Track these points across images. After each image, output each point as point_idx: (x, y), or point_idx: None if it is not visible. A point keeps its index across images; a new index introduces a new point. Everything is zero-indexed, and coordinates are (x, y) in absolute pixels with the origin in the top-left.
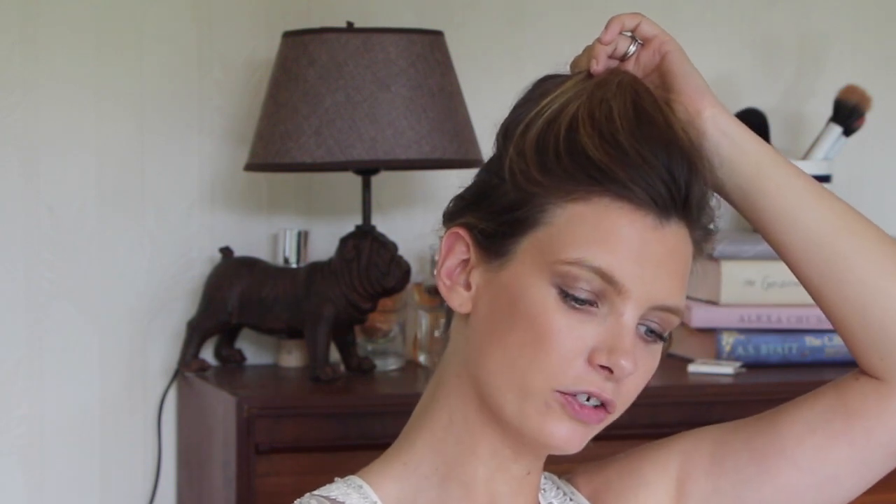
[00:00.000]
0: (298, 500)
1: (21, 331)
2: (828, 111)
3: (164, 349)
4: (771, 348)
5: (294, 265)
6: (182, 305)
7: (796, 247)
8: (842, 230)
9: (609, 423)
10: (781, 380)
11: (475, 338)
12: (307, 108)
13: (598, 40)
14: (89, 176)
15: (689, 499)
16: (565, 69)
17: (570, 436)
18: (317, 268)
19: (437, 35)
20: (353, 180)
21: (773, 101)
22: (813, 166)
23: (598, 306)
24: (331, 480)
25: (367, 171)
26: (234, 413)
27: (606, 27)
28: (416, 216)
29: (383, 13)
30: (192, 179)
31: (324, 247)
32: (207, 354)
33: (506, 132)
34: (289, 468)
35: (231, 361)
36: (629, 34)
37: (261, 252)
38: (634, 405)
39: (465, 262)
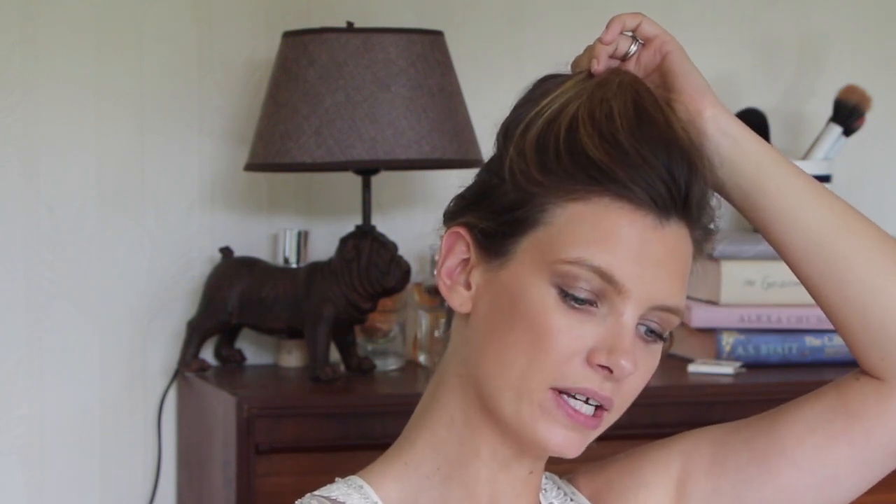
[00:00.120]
0: (299, 500)
1: (21, 331)
2: (828, 111)
3: (164, 349)
4: (771, 348)
5: (294, 265)
6: (182, 305)
7: (797, 246)
8: (842, 230)
9: (609, 425)
10: (781, 380)
11: (475, 337)
12: (307, 108)
13: (599, 40)
14: (89, 176)
15: (689, 499)
16: (565, 69)
17: (566, 441)
18: (317, 268)
19: (437, 35)
20: (353, 180)
21: (773, 101)
22: (813, 166)
23: (597, 306)
24: (331, 480)
25: (367, 171)
26: (234, 413)
27: (607, 27)
28: (416, 216)
29: (383, 13)
30: (192, 179)
31: (324, 247)
32: (207, 354)
33: (506, 132)
34: (289, 468)
35: (231, 361)
36: (630, 34)
37: (261, 252)
38: (634, 405)
39: (466, 261)
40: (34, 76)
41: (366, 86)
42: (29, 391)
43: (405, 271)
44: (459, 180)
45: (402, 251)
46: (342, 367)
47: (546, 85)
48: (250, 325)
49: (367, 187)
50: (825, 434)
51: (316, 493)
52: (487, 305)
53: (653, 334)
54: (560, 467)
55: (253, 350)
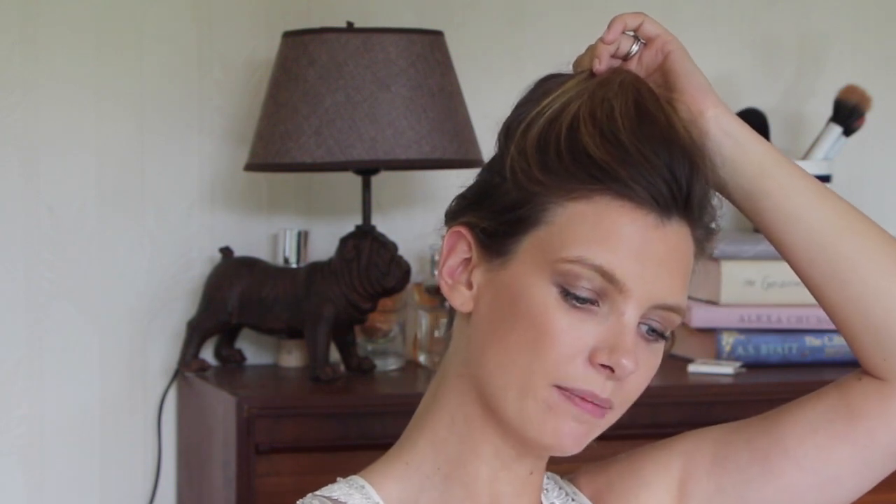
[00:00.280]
0: (301, 500)
1: (21, 331)
2: (828, 111)
3: (164, 349)
4: (771, 348)
5: (294, 265)
6: (182, 305)
7: (798, 247)
8: (844, 231)
9: (611, 424)
10: (781, 380)
11: (476, 337)
12: (307, 108)
13: (601, 40)
14: (89, 176)
15: (690, 499)
16: (565, 69)
17: (571, 436)
18: (317, 268)
19: (437, 35)
20: (353, 180)
21: (773, 101)
22: (813, 166)
23: (599, 305)
24: (331, 480)
25: (367, 171)
26: (234, 413)
27: (609, 27)
28: (416, 216)
29: (383, 13)
30: (192, 179)
31: (324, 247)
32: (207, 354)
33: (507, 131)
34: (289, 468)
35: (231, 361)
36: (632, 33)
37: (261, 252)
38: (635, 405)
39: (467, 260)
40: (34, 76)
41: (366, 86)
42: (29, 391)
43: (405, 271)
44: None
45: (402, 251)
46: (342, 367)
47: (547, 84)
48: (250, 325)
49: (367, 187)
50: (827, 434)
51: (317, 492)
52: (489, 305)
53: (654, 333)
54: (561, 467)
55: (253, 350)
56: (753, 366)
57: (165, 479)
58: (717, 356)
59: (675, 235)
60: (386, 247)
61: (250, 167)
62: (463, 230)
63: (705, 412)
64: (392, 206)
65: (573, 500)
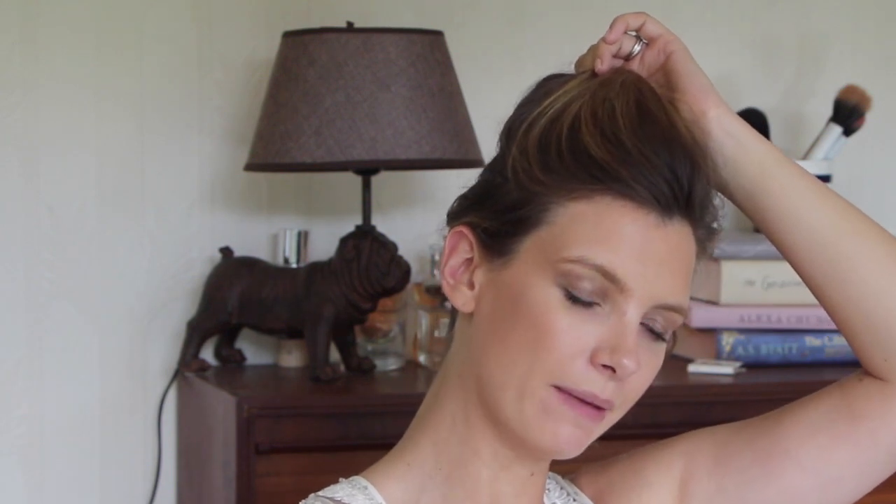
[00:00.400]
0: (303, 500)
1: (21, 331)
2: (828, 111)
3: (164, 349)
4: (771, 348)
5: (294, 265)
6: (182, 305)
7: (800, 247)
8: (846, 231)
9: (612, 425)
10: (781, 380)
11: (478, 337)
12: (307, 108)
13: (603, 40)
14: (89, 176)
15: (692, 499)
16: (565, 69)
17: (570, 439)
18: (317, 268)
19: (437, 35)
20: (353, 180)
21: (773, 101)
22: (813, 166)
23: (600, 305)
24: (331, 480)
25: (367, 171)
26: (234, 413)
27: (611, 27)
28: (416, 216)
29: (383, 13)
30: (192, 179)
31: (324, 247)
32: (207, 354)
33: (509, 131)
34: (289, 468)
35: (231, 361)
36: (634, 33)
37: (261, 252)
38: (635, 405)
39: (469, 261)
40: (34, 76)
41: (366, 86)
42: (29, 391)
43: (405, 271)
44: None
45: (402, 251)
46: (342, 367)
47: (549, 84)
48: (250, 325)
49: (367, 187)
50: (828, 435)
51: (320, 493)
52: (490, 305)
53: (656, 333)
54: (563, 467)
55: (253, 350)
56: (753, 366)
57: (165, 479)
58: (717, 356)
59: (676, 235)
60: (386, 247)
61: (250, 167)
62: (465, 230)
63: (705, 412)
64: (392, 206)
65: (574, 500)
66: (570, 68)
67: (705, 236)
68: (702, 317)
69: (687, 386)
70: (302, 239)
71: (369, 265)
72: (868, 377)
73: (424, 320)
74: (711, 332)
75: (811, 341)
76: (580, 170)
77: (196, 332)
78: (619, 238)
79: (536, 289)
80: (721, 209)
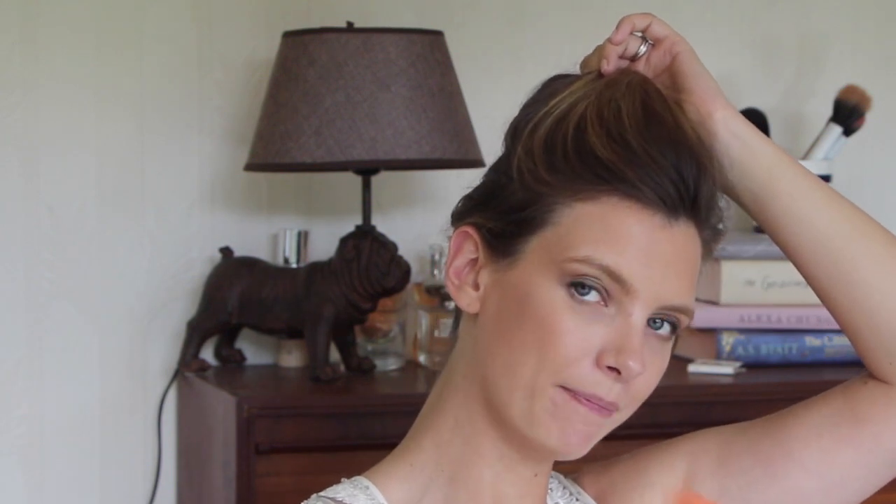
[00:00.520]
0: (305, 500)
1: (21, 331)
2: (828, 111)
3: (164, 349)
4: (771, 348)
5: (294, 265)
6: (182, 305)
7: (805, 249)
8: (851, 234)
9: (617, 425)
10: (781, 380)
11: (483, 337)
12: (307, 108)
13: (609, 40)
14: (89, 176)
15: None
16: (566, 69)
17: (577, 437)
18: (317, 268)
19: (437, 35)
20: (353, 180)
21: (773, 101)
22: (813, 166)
23: (606, 306)
24: (331, 480)
25: (367, 171)
26: (234, 413)
27: (617, 27)
28: (416, 216)
29: (383, 13)
30: (192, 179)
31: (324, 247)
32: (207, 354)
33: (514, 131)
34: (289, 468)
35: (231, 361)
36: (640, 34)
37: (261, 252)
38: None
39: (474, 261)
40: (34, 76)
41: (366, 86)
42: (29, 391)
43: (405, 271)
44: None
45: (402, 251)
46: (342, 367)
47: (555, 85)
48: (250, 325)
49: (367, 187)
50: (832, 438)
51: (322, 493)
52: (496, 306)
53: (662, 334)
54: (565, 467)
55: (253, 350)
56: (753, 366)
57: (165, 479)
58: (717, 356)
59: (682, 236)
60: (386, 247)
61: (250, 167)
62: (470, 230)
63: (705, 412)
64: (392, 206)
65: (577, 499)
66: (570, 68)
67: (710, 237)
68: (702, 317)
69: (687, 386)
70: (302, 239)
71: (369, 265)
72: (872, 380)
73: (424, 320)
74: (711, 332)
75: (811, 341)
76: (586, 170)
77: (196, 332)
78: (625, 239)
79: (542, 289)
80: (727, 210)
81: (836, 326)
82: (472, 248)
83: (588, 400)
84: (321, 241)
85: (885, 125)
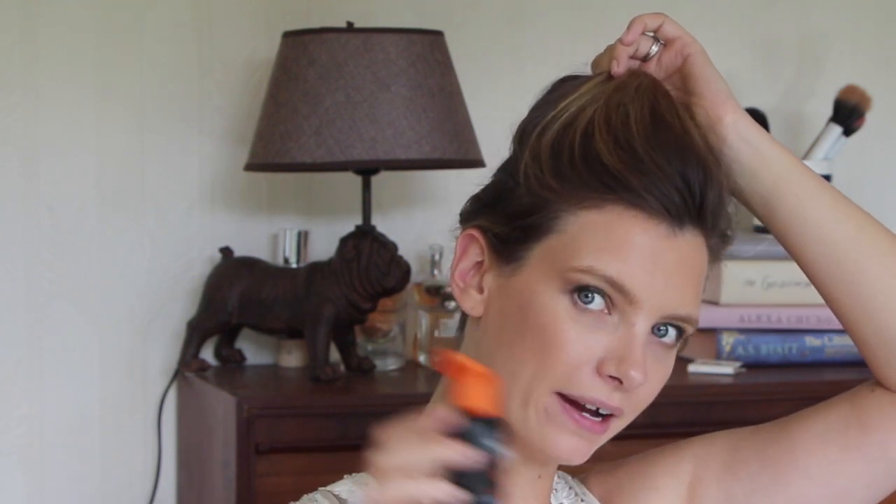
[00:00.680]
0: (307, 494)
1: (21, 331)
2: (828, 111)
3: (164, 349)
4: (771, 348)
5: (294, 265)
6: (182, 305)
7: (814, 256)
8: (861, 243)
9: (617, 432)
10: (781, 380)
11: (485, 341)
12: (307, 108)
13: (620, 41)
14: (89, 176)
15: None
16: (565, 69)
17: (572, 447)
18: (317, 268)
19: (437, 35)
20: (353, 180)
21: (773, 101)
22: (813, 166)
23: (609, 314)
24: (331, 480)
25: (367, 171)
26: (234, 413)
27: (628, 28)
28: (416, 216)
29: (383, 13)
30: (192, 179)
31: (324, 247)
32: (207, 354)
33: (522, 134)
34: (289, 468)
35: (231, 361)
36: (652, 34)
37: (261, 252)
38: None
39: (479, 264)
40: (34, 76)
41: (366, 86)
42: (29, 391)
43: (405, 271)
44: (459, 180)
45: (402, 251)
46: (342, 367)
47: (564, 87)
48: (250, 325)
49: (367, 187)
50: (838, 446)
51: (323, 488)
52: (498, 310)
53: (665, 342)
54: (574, 467)
55: (253, 350)
56: (753, 366)
57: (165, 479)
58: (717, 356)
59: (687, 245)
60: (386, 247)
61: (250, 167)
62: (475, 233)
63: (705, 412)
64: (392, 206)
65: (582, 500)
66: (571, 68)
67: (718, 244)
68: (702, 317)
69: (687, 386)
70: (302, 239)
71: (369, 265)
72: (880, 388)
73: (424, 320)
74: (711, 332)
75: (811, 341)
76: (592, 178)
77: (196, 332)
78: (629, 248)
79: (545, 297)
80: (735, 216)
81: (837, 326)
82: (477, 251)
83: (581, 416)
84: (321, 241)
85: (885, 125)
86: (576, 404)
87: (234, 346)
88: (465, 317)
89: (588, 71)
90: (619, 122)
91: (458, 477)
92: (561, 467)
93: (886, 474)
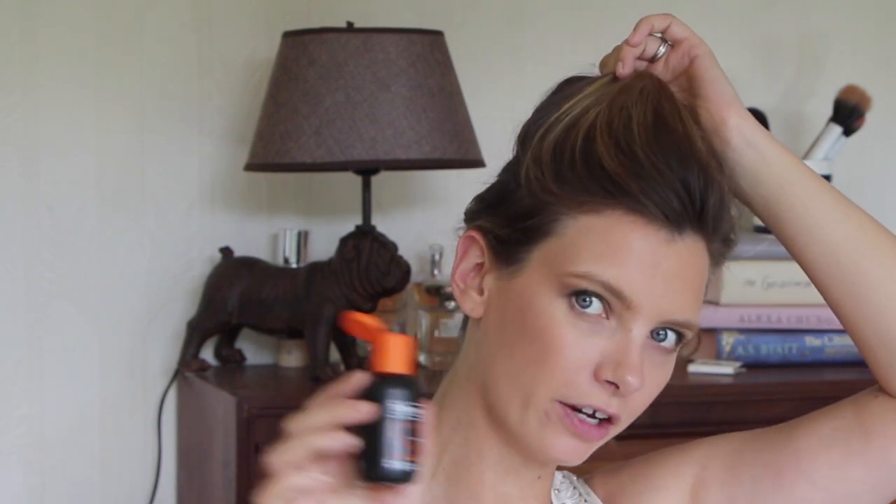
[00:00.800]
0: None
1: (21, 331)
2: (828, 111)
3: (164, 349)
4: (771, 348)
5: (294, 265)
6: (182, 305)
7: (818, 261)
8: (865, 247)
9: (614, 436)
10: (781, 380)
11: (485, 343)
12: (307, 108)
13: (626, 42)
14: (89, 176)
15: None
16: (565, 69)
17: (570, 449)
18: (317, 268)
19: (437, 35)
20: (353, 180)
21: (773, 101)
22: (813, 166)
23: (607, 319)
24: None
25: (367, 171)
26: (234, 413)
27: (635, 28)
28: (416, 216)
29: (383, 13)
30: (192, 179)
31: (324, 247)
32: (207, 354)
33: (524, 136)
34: None
35: (231, 361)
36: (659, 35)
37: (261, 252)
38: None
39: (479, 265)
40: (34, 76)
41: (366, 86)
42: (29, 391)
43: (405, 271)
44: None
45: (402, 251)
46: (342, 367)
47: (569, 88)
48: (250, 325)
49: (367, 187)
50: (840, 452)
51: None
52: (498, 313)
53: (665, 346)
54: (578, 468)
55: (253, 350)
56: (753, 366)
57: (165, 479)
58: (717, 356)
59: (687, 251)
60: (386, 247)
61: (250, 167)
62: (476, 235)
63: (705, 412)
64: (392, 206)
65: (586, 500)
66: (571, 68)
67: (720, 249)
68: (702, 317)
69: (687, 386)
70: (302, 239)
71: (369, 265)
72: (883, 394)
73: (424, 320)
74: (711, 332)
75: (811, 341)
76: (592, 182)
77: (196, 332)
78: (627, 254)
79: (543, 301)
80: (738, 220)
81: (837, 326)
82: (478, 252)
83: (581, 421)
84: (321, 241)
85: (885, 125)
86: (575, 408)
87: (234, 346)
88: (467, 317)
89: (595, 71)
90: (622, 125)
91: (367, 435)
92: (564, 467)
93: (889, 481)
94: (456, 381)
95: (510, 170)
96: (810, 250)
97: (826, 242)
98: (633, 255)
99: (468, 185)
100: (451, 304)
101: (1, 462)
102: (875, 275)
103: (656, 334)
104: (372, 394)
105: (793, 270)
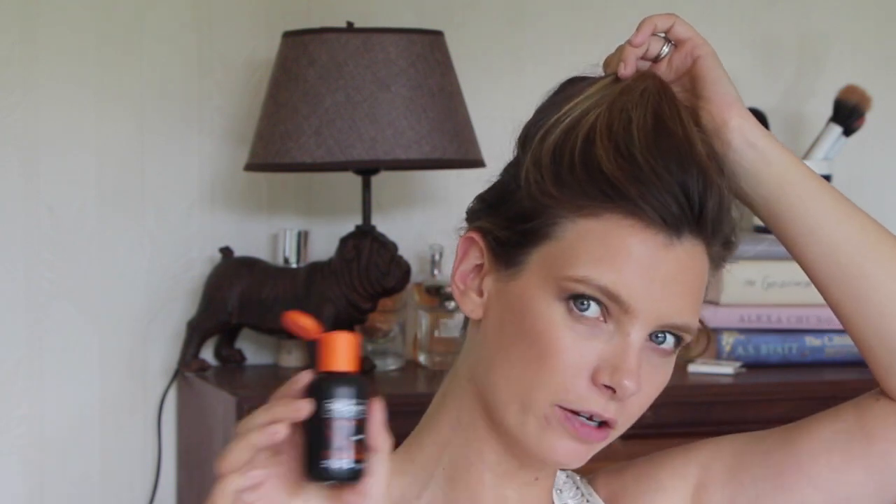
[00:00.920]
0: None
1: (21, 331)
2: (828, 111)
3: (164, 349)
4: (771, 348)
5: (294, 265)
6: (182, 305)
7: (819, 262)
8: (866, 250)
9: (613, 440)
10: (781, 380)
11: (485, 344)
12: (307, 108)
13: (629, 42)
14: (89, 176)
15: None
16: (565, 69)
17: (571, 452)
18: (317, 268)
19: (437, 35)
20: (353, 180)
21: (773, 101)
22: (813, 166)
23: (605, 322)
24: None
25: (367, 171)
26: (234, 413)
27: (638, 29)
28: (416, 216)
29: (383, 13)
30: (192, 179)
31: (324, 247)
32: (207, 354)
33: (525, 137)
34: None
35: (231, 361)
36: (663, 35)
37: (261, 252)
38: None
39: (479, 267)
40: (34, 76)
41: (366, 86)
42: (29, 391)
43: (405, 271)
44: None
45: (402, 251)
46: None
47: (570, 89)
48: (250, 325)
49: (367, 187)
50: (841, 455)
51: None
52: (497, 315)
53: (663, 349)
54: (582, 468)
55: (253, 350)
56: (753, 366)
57: (165, 479)
58: (717, 356)
59: (685, 255)
60: (386, 247)
61: (250, 167)
62: (476, 236)
63: (705, 412)
64: (392, 206)
65: (588, 500)
66: (571, 68)
67: (720, 252)
68: (702, 317)
69: (687, 386)
70: (302, 239)
71: (369, 265)
72: (884, 397)
73: (424, 320)
74: (712, 332)
75: (811, 341)
76: (591, 185)
77: (196, 332)
78: (625, 258)
79: (542, 304)
80: (738, 222)
81: (837, 326)
82: (477, 253)
83: (582, 424)
84: (321, 241)
85: (885, 125)
86: (574, 412)
87: (234, 346)
88: (468, 318)
89: (596, 70)
90: (621, 128)
91: (309, 435)
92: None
93: (890, 484)
94: (456, 382)
95: (510, 171)
96: (811, 251)
97: (826, 243)
98: (631, 259)
99: (468, 185)
100: (451, 305)
101: (1, 462)
102: (875, 275)
103: (655, 337)
104: (313, 393)
105: (793, 270)
